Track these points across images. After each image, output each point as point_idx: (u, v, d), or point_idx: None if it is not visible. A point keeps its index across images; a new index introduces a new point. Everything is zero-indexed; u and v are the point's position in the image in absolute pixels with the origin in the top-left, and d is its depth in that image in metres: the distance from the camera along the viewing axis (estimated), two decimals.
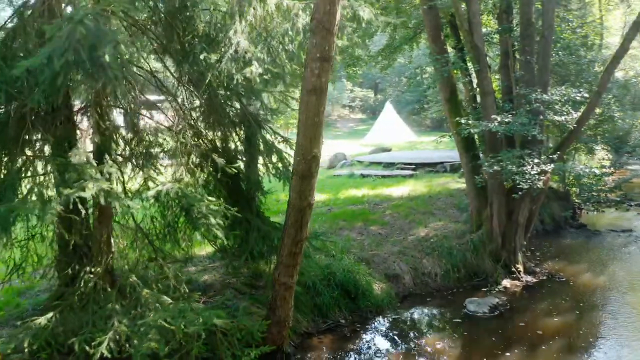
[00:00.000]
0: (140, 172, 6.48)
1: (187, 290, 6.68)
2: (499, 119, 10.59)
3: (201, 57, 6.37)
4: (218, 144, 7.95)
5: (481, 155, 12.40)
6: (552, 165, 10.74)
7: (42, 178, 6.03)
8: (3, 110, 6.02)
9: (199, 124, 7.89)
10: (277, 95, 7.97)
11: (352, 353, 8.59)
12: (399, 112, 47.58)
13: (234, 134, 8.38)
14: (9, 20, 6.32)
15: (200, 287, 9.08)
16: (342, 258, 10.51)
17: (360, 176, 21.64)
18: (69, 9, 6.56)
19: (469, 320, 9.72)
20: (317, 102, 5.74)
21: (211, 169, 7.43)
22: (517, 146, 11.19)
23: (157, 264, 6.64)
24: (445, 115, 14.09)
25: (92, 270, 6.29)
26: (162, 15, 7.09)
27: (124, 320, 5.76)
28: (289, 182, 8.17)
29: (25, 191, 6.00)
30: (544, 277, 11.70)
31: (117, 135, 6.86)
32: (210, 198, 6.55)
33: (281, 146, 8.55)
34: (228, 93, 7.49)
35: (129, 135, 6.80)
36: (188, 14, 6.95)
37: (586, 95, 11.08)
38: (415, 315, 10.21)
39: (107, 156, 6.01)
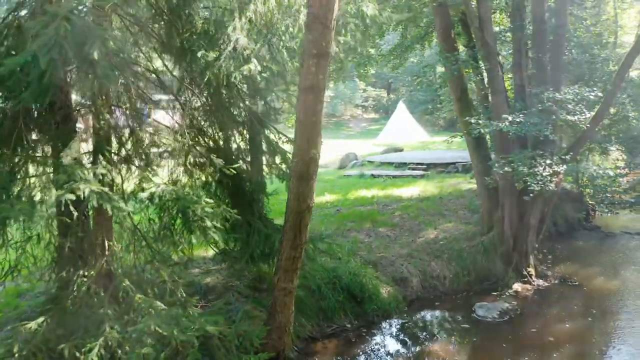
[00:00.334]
0: (136, 173, 6.27)
1: (184, 294, 6.47)
2: (510, 118, 10.32)
3: (198, 54, 6.16)
4: (219, 144, 7.73)
5: (492, 155, 12.12)
6: (565, 167, 10.44)
7: (32, 180, 5.85)
8: None
9: (199, 123, 7.69)
10: (280, 94, 7.74)
11: (357, 359, 8.37)
12: (412, 112, 47.21)
13: (236, 134, 8.18)
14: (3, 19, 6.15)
15: (202, 289, 8.91)
16: (348, 261, 10.30)
17: (370, 176, 21.38)
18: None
19: (478, 325, 9.47)
20: (314, 101, 5.49)
21: (210, 170, 7.22)
22: (529, 147, 10.90)
23: (154, 267, 6.44)
24: (456, 114, 13.81)
25: (86, 273, 6.11)
26: (164, 12, 6.92)
27: (115, 326, 5.57)
28: None
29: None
30: (556, 281, 11.40)
31: (114, 135, 6.66)
32: (208, 200, 6.35)
33: (286, 147, 8.32)
34: (229, 92, 7.28)
35: (126, 136, 6.60)
36: (187, 10, 6.75)
37: (600, 94, 10.77)
38: (423, 320, 9.97)
39: (100, 157, 5.83)
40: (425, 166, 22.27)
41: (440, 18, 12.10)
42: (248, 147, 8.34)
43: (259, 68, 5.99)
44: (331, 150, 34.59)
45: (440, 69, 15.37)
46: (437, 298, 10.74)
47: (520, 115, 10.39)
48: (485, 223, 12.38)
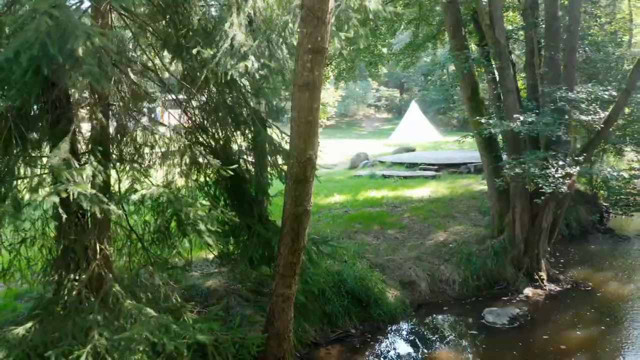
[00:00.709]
0: (128, 174, 6.06)
1: (180, 299, 6.26)
2: (521, 118, 10.02)
3: (194, 51, 5.93)
4: (219, 144, 7.51)
5: (504, 156, 11.82)
6: (578, 168, 10.13)
7: (20, 181, 5.64)
8: None
9: (198, 123, 7.47)
10: (281, 92, 7.49)
11: None
12: (424, 112, 46.97)
13: (237, 134, 7.94)
14: None
15: (203, 293, 8.70)
16: (354, 264, 10.05)
17: (381, 177, 21.09)
18: None
19: (487, 331, 9.18)
20: (310, 99, 5.22)
21: (209, 171, 7.01)
22: (542, 147, 10.60)
23: (148, 271, 6.23)
24: (467, 114, 13.52)
25: (77, 277, 5.90)
26: (162, 8, 6.71)
27: (105, 332, 5.36)
28: None
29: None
30: (568, 286, 11.07)
31: (106, 135, 6.45)
32: (204, 202, 6.13)
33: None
34: (231, 90, 7.06)
35: (119, 136, 6.39)
36: (185, 6, 6.53)
37: (614, 93, 10.43)
38: (430, 326, 9.70)
39: (91, 157, 5.62)
40: (436, 167, 21.96)
41: (451, 15, 11.83)
42: (250, 147, 8.09)
43: (256, 65, 5.75)
44: (342, 150, 34.47)
45: (451, 68, 15.07)
46: (445, 303, 10.45)
47: (532, 115, 10.10)
48: (495, 226, 12.09)
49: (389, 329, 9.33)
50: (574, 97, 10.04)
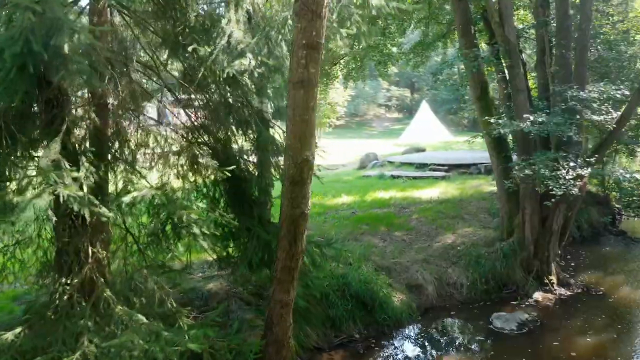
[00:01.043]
0: (121, 176, 5.88)
1: (175, 304, 6.06)
2: (531, 118, 9.76)
3: (189, 49, 5.74)
4: (218, 144, 7.31)
5: (514, 157, 11.55)
6: (589, 170, 9.86)
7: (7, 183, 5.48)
8: None
9: (196, 122, 7.29)
10: (280, 90, 7.27)
11: None
12: (435, 112, 46.84)
13: (239, 134, 7.75)
14: None
15: (204, 296, 8.53)
16: (359, 266, 9.82)
17: (390, 177, 20.88)
18: None
19: (495, 337, 8.94)
20: (306, 97, 4.99)
21: (208, 172, 6.81)
22: (552, 148, 10.34)
23: (142, 274, 6.03)
24: (476, 114, 13.25)
25: (69, 281, 5.73)
26: (161, 4, 6.54)
27: (95, 339, 5.18)
28: None
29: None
30: (579, 290, 10.78)
31: (105, 134, 6.27)
32: (200, 205, 5.95)
33: None
34: (232, 89, 6.87)
35: (113, 136, 6.21)
36: (183, 2, 6.35)
37: (627, 92, 10.15)
38: (437, 331, 9.46)
39: (83, 158, 5.45)
40: (446, 167, 21.73)
41: (460, 13, 11.59)
42: (251, 147, 7.89)
43: (253, 63, 5.55)
44: (352, 150, 34.27)
45: (461, 67, 14.84)
46: (452, 307, 10.20)
47: (543, 114, 9.84)
48: (505, 228, 11.82)
49: (394, 333, 9.11)
50: (585, 96, 9.78)
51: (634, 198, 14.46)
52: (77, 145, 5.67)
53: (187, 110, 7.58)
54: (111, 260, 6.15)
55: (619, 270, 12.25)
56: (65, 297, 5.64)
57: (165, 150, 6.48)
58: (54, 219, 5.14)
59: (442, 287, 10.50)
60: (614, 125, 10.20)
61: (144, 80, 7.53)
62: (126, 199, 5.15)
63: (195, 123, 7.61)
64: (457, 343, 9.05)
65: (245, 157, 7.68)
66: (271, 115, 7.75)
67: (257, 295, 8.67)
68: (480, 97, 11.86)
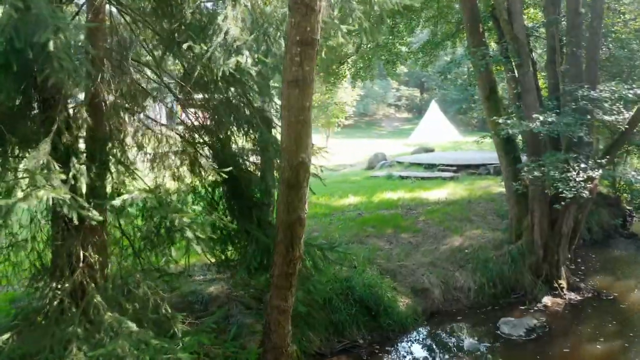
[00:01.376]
0: (112, 177, 5.68)
1: (170, 310, 5.87)
2: (541, 118, 9.51)
3: (184, 46, 5.55)
4: (217, 145, 7.12)
5: (524, 158, 11.29)
6: (600, 171, 9.60)
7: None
8: None
9: (194, 122, 7.11)
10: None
11: None
12: (445, 112, 46.60)
13: (240, 134, 7.56)
14: None
15: (204, 299, 8.36)
16: (363, 270, 9.60)
17: (398, 177, 20.62)
18: None
19: (502, 343, 8.71)
20: (301, 96, 4.76)
21: (204, 174, 6.64)
22: (563, 149, 10.08)
23: (136, 279, 5.84)
24: (485, 114, 12.99)
25: (60, 286, 5.55)
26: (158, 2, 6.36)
27: (84, 346, 4.99)
28: None
29: None
30: (589, 295, 10.52)
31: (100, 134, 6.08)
32: (197, 207, 5.76)
33: None
34: (227, 88, 6.68)
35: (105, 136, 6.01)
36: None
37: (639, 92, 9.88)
38: (442, 336, 9.24)
39: (74, 159, 5.26)
40: (455, 168, 21.44)
41: (468, 11, 11.35)
42: (253, 148, 7.69)
43: (250, 61, 5.34)
44: (360, 150, 34.07)
45: (471, 66, 14.61)
46: (459, 311, 9.96)
47: (553, 114, 9.58)
48: (514, 230, 11.57)
49: (399, 339, 8.90)
50: (596, 96, 9.52)
51: None
52: (68, 146, 5.47)
53: (185, 110, 7.39)
54: (105, 265, 5.94)
55: (630, 274, 11.99)
56: (56, 302, 5.47)
57: (161, 151, 6.29)
58: (42, 221, 4.93)
59: (448, 291, 10.28)
60: (626, 126, 9.94)
61: (145, 79, 7.37)
62: (116, 202, 4.95)
63: (196, 123, 7.44)
64: (463, 349, 8.81)
65: (245, 157, 7.49)
66: (274, 115, 7.55)
67: (258, 299, 8.47)
68: (489, 97, 11.62)
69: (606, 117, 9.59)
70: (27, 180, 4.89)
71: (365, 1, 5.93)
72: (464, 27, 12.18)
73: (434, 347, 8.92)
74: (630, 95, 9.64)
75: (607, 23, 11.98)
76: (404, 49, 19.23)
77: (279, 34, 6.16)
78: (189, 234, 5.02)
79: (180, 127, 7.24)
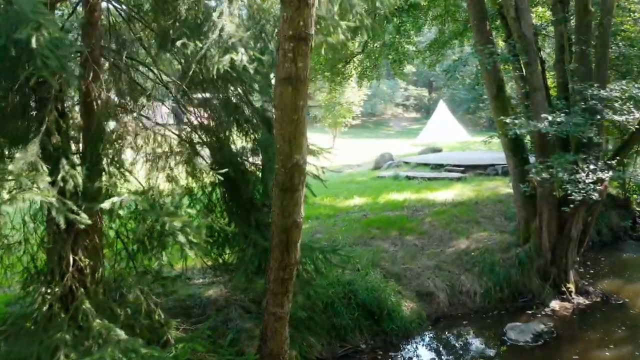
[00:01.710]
0: (101, 179, 5.49)
1: (163, 315, 5.69)
2: (549, 118, 9.26)
3: (178, 43, 5.37)
4: (215, 145, 6.94)
5: (532, 159, 11.04)
6: (611, 173, 9.35)
7: None
8: None
9: (191, 121, 6.93)
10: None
11: None
12: (453, 111, 46.39)
13: (239, 134, 7.38)
14: None
15: (203, 303, 8.16)
16: (367, 273, 9.40)
17: (405, 178, 20.41)
18: None
19: (509, 349, 8.48)
20: (294, 94, 4.53)
21: (201, 176, 6.46)
22: (572, 150, 9.84)
23: (128, 283, 5.67)
24: (492, 114, 12.74)
25: (49, 290, 5.38)
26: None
27: (72, 354, 4.82)
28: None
29: None
30: (598, 299, 10.25)
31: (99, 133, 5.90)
32: (191, 210, 5.57)
33: None
34: (224, 86, 6.51)
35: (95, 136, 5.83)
36: None
37: None
38: (447, 342, 9.03)
39: (63, 161, 5.08)
40: (463, 168, 21.21)
41: (475, 8, 11.11)
42: (252, 148, 7.50)
43: (244, 58, 5.14)
44: (367, 150, 33.88)
45: (478, 65, 14.39)
46: (465, 316, 9.73)
47: (562, 114, 9.33)
48: (521, 233, 11.30)
49: (402, 344, 8.68)
50: (606, 95, 9.27)
51: None
52: (58, 147, 5.29)
53: (183, 109, 7.21)
54: (97, 269, 5.76)
55: None
56: (45, 307, 5.30)
57: (157, 151, 6.10)
58: (31, 225, 4.76)
59: (454, 295, 10.04)
60: (637, 126, 9.69)
61: (142, 78, 7.21)
62: (105, 204, 4.77)
63: (195, 123, 7.27)
64: (468, 356, 8.60)
65: (245, 158, 7.30)
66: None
67: (258, 303, 8.26)
68: (497, 96, 11.37)
69: (616, 117, 9.33)
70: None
71: None
72: (471, 25, 11.94)
73: (439, 353, 8.73)
74: None
75: (617, 21, 11.73)
76: (411, 48, 19.02)
77: (276, 30, 5.96)
78: (181, 238, 4.84)
79: (178, 127, 7.04)
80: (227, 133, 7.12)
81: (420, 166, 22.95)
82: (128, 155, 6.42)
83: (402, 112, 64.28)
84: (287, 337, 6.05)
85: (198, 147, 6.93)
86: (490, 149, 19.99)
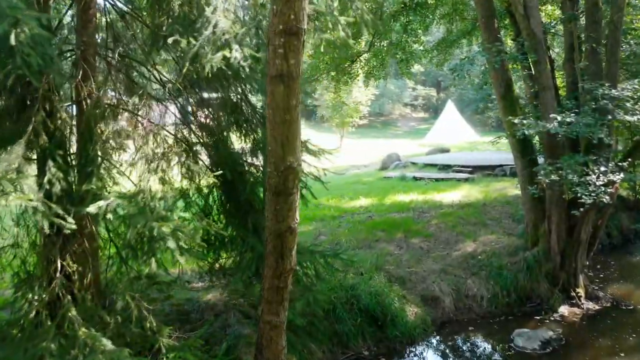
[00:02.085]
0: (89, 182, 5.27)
1: (154, 322, 5.47)
2: (559, 118, 9.00)
3: (169, 40, 5.16)
4: (211, 146, 6.73)
5: (541, 160, 10.76)
6: (622, 175, 9.07)
7: None
8: None
9: (186, 121, 6.72)
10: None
11: None
12: (461, 111, 46.18)
13: (238, 134, 7.16)
14: None
15: (202, 307, 7.93)
16: (371, 277, 9.16)
17: (412, 179, 20.21)
18: None
19: (516, 357, 8.22)
20: (286, 93, 4.26)
21: (196, 178, 6.24)
22: (581, 151, 9.57)
23: (119, 289, 5.45)
24: (500, 114, 12.47)
25: (36, 297, 5.18)
26: None
27: None
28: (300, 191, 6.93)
29: None
30: (608, 304, 9.96)
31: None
32: (183, 214, 5.36)
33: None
34: (220, 85, 6.29)
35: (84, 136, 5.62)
36: None
37: None
38: (452, 348, 8.77)
39: (50, 162, 4.88)
40: (470, 169, 20.99)
41: (482, 5, 10.85)
42: (251, 148, 7.27)
43: (238, 55, 4.92)
44: (375, 150, 33.66)
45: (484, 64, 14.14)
46: (471, 321, 9.46)
47: (571, 114, 9.06)
48: (529, 236, 11.01)
49: (406, 351, 8.45)
50: (617, 94, 8.99)
51: None
52: (45, 148, 5.09)
53: (180, 108, 7.00)
54: (85, 274, 5.55)
55: None
56: (32, 314, 5.10)
57: (151, 151, 5.88)
58: (17, 229, 4.56)
59: (460, 300, 9.78)
60: None
61: (136, 76, 7.00)
62: (90, 209, 4.56)
63: (192, 122, 7.06)
64: None
65: (243, 159, 7.08)
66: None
67: (257, 308, 8.07)
68: (505, 96, 11.10)
69: (628, 118, 9.06)
70: None
71: None
72: (479, 23, 11.68)
73: (443, 359, 8.47)
74: None
75: (627, 20, 11.45)
76: (418, 47, 18.77)
77: None
78: (170, 243, 4.62)
79: (174, 127, 6.83)
80: (224, 133, 6.91)
81: (428, 167, 22.75)
82: (125, 156, 6.22)
83: (410, 112, 64.01)
84: (284, 347, 5.81)
85: (195, 148, 6.73)
86: (498, 150, 19.74)
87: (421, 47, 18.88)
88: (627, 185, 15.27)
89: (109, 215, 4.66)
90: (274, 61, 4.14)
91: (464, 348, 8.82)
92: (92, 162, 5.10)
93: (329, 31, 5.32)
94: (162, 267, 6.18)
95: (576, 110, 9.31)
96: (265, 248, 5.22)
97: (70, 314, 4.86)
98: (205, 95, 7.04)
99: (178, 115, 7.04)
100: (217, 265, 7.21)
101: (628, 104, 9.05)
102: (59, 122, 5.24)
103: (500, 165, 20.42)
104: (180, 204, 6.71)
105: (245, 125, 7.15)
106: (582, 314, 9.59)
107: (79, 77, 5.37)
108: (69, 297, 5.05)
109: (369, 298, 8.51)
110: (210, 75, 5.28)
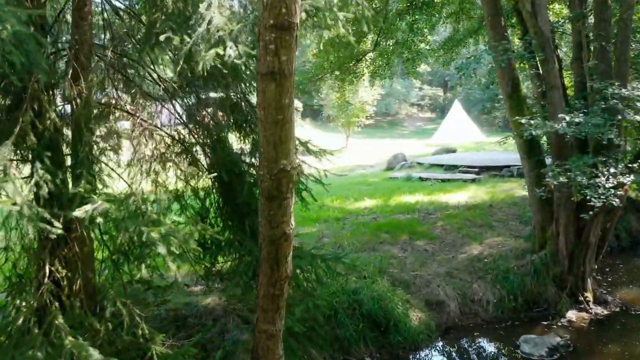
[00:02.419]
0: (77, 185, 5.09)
1: (147, 329, 5.28)
2: (567, 118, 8.77)
3: (161, 38, 4.96)
4: (208, 147, 6.54)
5: (548, 160, 10.52)
6: (632, 177, 8.83)
7: None
8: None
9: (183, 121, 6.53)
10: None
11: None
12: (468, 111, 45.96)
13: (237, 135, 6.98)
14: None
15: (200, 312, 7.76)
16: (374, 281, 8.97)
17: (418, 179, 20.01)
18: None
19: None
20: (278, 91, 4.02)
21: (192, 180, 6.06)
22: (590, 152, 9.33)
23: (110, 295, 5.26)
24: (507, 114, 12.24)
25: (24, 303, 5.01)
26: None
27: None
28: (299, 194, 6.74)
29: None
30: (617, 309, 9.71)
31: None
32: (178, 219, 5.17)
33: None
34: (217, 83, 6.11)
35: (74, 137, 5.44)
36: None
37: None
38: (457, 355, 8.56)
39: (38, 164, 4.69)
40: (477, 169, 20.79)
41: (488, 4, 10.62)
42: (251, 149, 7.08)
43: (232, 52, 4.72)
44: (381, 150, 33.44)
45: (491, 63, 13.92)
46: (477, 326, 9.24)
47: (580, 114, 8.83)
48: (537, 239, 10.77)
49: (410, 357, 8.24)
50: (627, 94, 8.75)
51: None
52: (33, 149, 4.90)
53: (177, 107, 6.82)
54: (74, 280, 5.36)
55: None
56: (20, 321, 4.91)
57: (146, 152, 5.71)
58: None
59: (465, 304, 9.55)
60: None
61: (132, 75, 6.83)
62: (77, 213, 4.37)
63: (190, 122, 6.88)
64: None
65: (242, 160, 6.89)
66: None
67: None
68: (511, 95, 10.87)
69: (638, 118, 8.82)
70: None
71: None
72: (485, 21, 11.46)
73: None
74: None
75: (637, 18, 11.20)
76: (424, 46, 18.58)
77: None
78: (161, 249, 4.43)
79: (170, 127, 6.65)
80: (223, 134, 6.72)
81: (434, 167, 22.59)
82: (121, 157, 6.04)
83: (417, 112, 63.80)
84: (281, 355, 5.61)
85: (194, 149, 6.55)
86: (505, 150, 19.51)
87: (427, 47, 18.68)
88: (636, 187, 14.99)
89: (99, 219, 4.47)
90: (264, 58, 3.92)
91: (469, 354, 8.62)
92: (81, 164, 4.90)
93: (328, 28, 5.11)
94: (156, 272, 6.05)
95: (585, 110, 9.08)
96: (259, 255, 5.02)
97: (57, 322, 4.68)
98: (204, 94, 6.87)
99: (175, 115, 6.87)
100: (214, 269, 6.99)
101: (638, 104, 8.81)
102: (48, 122, 5.05)
103: (507, 166, 20.20)
104: (176, 206, 6.54)
105: (244, 125, 6.97)
106: (590, 319, 9.35)
107: (69, 76, 5.18)
108: (57, 304, 4.87)
109: (372, 302, 8.32)
110: (205, 73, 5.09)
